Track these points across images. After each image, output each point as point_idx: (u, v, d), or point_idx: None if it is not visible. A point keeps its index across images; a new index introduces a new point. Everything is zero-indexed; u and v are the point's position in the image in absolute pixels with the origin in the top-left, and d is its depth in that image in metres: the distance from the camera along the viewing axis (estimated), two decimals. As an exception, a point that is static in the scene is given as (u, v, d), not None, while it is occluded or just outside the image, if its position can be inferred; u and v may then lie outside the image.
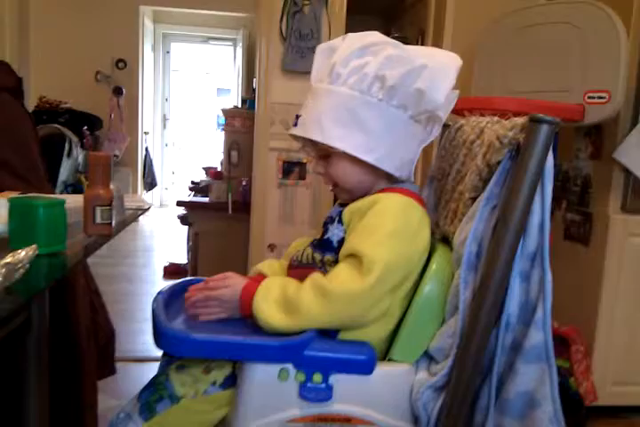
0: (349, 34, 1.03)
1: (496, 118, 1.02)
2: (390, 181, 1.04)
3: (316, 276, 0.94)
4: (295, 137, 1.06)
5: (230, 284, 0.97)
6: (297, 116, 1.03)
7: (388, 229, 0.93)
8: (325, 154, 1.03)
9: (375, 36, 1.00)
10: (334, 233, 1.01)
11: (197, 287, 1.00)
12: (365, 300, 0.90)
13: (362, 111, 0.97)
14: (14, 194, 1.25)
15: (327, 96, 0.99)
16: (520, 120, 0.89)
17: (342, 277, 0.91)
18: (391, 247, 0.92)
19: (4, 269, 0.74)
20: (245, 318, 0.95)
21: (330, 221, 1.05)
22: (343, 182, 1.04)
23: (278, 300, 0.92)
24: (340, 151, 0.98)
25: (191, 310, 0.98)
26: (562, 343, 1.88)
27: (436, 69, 0.96)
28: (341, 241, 0.99)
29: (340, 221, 1.01)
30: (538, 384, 0.88)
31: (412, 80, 0.95)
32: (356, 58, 0.97)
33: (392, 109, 0.97)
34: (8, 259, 0.77)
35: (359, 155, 0.98)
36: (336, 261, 0.98)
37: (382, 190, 1.02)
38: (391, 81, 0.94)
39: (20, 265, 0.78)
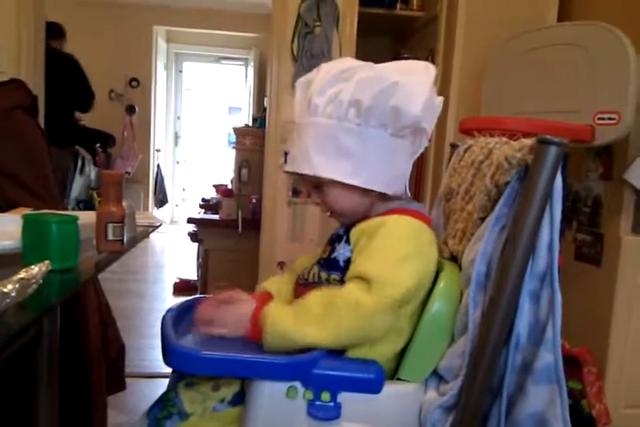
0: (323, 64, 1.05)
1: (505, 139, 1.03)
2: (385, 199, 1.05)
3: (324, 290, 0.95)
4: (289, 173, 1.08)
5: (240, 306, 0.98)
6: (285, 154, 1.06)
7: (399, 254, 0.94)
8: (318, 184, 1.04)
9: (347, 62, 1.02)
10: (341, 253, 1.02)
11: (208, 305, 1.01)
12: (370, 316, 0.90)
13: (342, 138, 0.98)
14: (28, 210, 1.27)
15: (309, 128, 1.01)
16: (528, 141, 0.90)
17: (352, 294, 0.91)
18: (403, 272, 0.93)
19: (17, 285, 0.75)
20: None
21: (336, 238, 1.06)
22: (340, 208, 1.06)
23: (291, 310, 0.94)
24: (329, 180, 1.00)
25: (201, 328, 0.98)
26: (574, 365, 1.85)
27: (408, 84, 0.96)
28: (348, 261, 1.00)
29: (347, 241, 1.02)
30: (548, 405, 0.88)
31: (385, 99, 0.95)
32: (330, 87, 0.99)
33: (372, 131, 0.98)
34: (22, 274, 0.78)
35: (346, 180, 0.99)
36: (342, 281, 0.99)
37: (392, 211, 1.03)
38: (366, 103, 0.95)
39: (33, 281, 0.78)
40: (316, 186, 1.05)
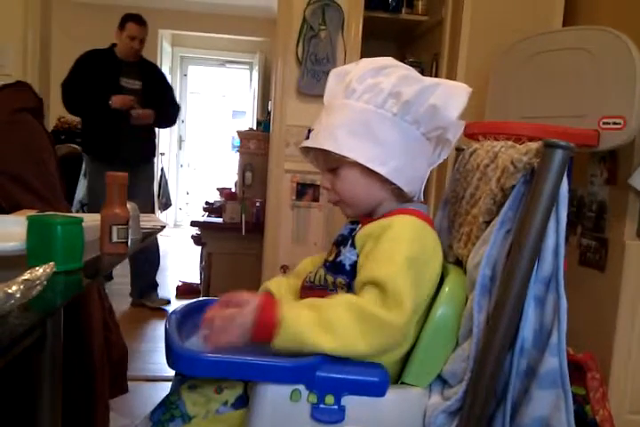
0: (363, 58, 1.05)
1: (510, 143, 1.03)
2: (398, 199, 1.04)
3: (350, 298, 0.92)
4: (306, 151, 1.07)
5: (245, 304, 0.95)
6: (309, 131, 1.05)
7: (406, 255, 0.93)
8: (334, 167, 1.03)
9: (388, 60, 1.03)
10: (346, 257, 1.01)
11: (214, 310, 0.99)
12: (397, 333, 0.90)
13: (376, 124, 0.98)
14: (32, 212, 1.27)
15: (341, 110, 1.01)
16: (534, 145, 0.90)
17: (377, 308, 0.89)
18: (412, 275, 0.92)
19: (22, 286, 0.75)
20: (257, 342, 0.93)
21: (341, 241, 1.05)
22: (350, 196, 1.04)
23: (310, 314, 0.90)
24: (351, 162, 0.99)
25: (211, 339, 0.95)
26: (577, 370, 1.85)
27: (449, 88, 0.98)
28: (353, 265, 0.99)
29: (353, 245, 1.01)
30: (553, 410, 0.87)
31: (426, 96, 0.97)
32: (371, 77, 0.99)
33: (405, 125, 0.99)
34: (26, 276, 0.78)
35: (372, 166, 0.98)
36: (348, 284, 0.98)
37: (394, 212, 1.02)
38: (406, 96, 0.96)
39: (37, 282, 0.78)
40: (333, 168, 1.03)
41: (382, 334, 0.89)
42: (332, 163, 1.03)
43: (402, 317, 0.88)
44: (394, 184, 1.01)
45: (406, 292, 0.89)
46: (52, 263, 0.83)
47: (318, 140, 1.01)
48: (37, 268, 0.81)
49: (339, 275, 1.01)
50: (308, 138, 1.04)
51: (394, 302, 0.88)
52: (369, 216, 1.06)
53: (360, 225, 1.05)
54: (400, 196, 1.04)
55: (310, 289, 1.05)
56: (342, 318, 0.88)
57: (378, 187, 1.02)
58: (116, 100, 3.29)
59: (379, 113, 0.98)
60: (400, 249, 0.94)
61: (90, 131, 3.45)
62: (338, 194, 1.05)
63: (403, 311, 0.88)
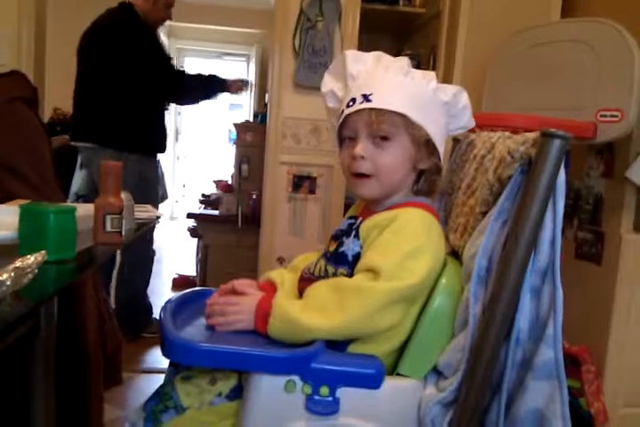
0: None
1: (507, 133, 1.02)
2: (410, 190, 1.05)
3: (333, 278, 0.98)
4: (359, 113, 0.98)
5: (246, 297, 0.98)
6: (364, 96, 0.97)
7: (410, 248, 0.93)
8: (384, 136, 0.98)
9: None
10: (349, 247, 1.00)
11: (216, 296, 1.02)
12: (376, 299, 0.89)
13: (433, 107, 1.01)
14: (25, 202, 1.26)
15: (402, 84, 1.01)
16: (532, 135, 0.89)
17: (359, 280, 0.92)
18: (412, 266, 0.92)
19: (13, 274, 0.74)
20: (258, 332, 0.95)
21: (342, 233, 1.04)
22: (388, 172, 1.00)
23: (299, 300, 0.96)
24: (405, 134, 0.99)
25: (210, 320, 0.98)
26: (572, 363, 1.85)
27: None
28: (356, 255, 0.99)
29: (357, 236, 1.01)
30: (548, 401, 0.87)
31: (460, 97, 1.03)
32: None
33: (446, 117, 1.04)
34: (17, 264, 0.77)
35: (439, 145, 1.01)
36: (349, 275, 0.98)
37: (400, 204, 1.02)
38: (450, 91, 1.02)
39: (28, 270, 0.78)
40: (381, 137, 0.98)
41: (359, 295, 0.89)
42: (385, 130, 0.98)
43: (384, 287, 0.89)
44: (421, 171, 1.03)
45: (401, 277, 0.90)
46: (43, 252, 0.83)
47: (393, 104, 0.97)
48: (28, 256, 0.80)
49: (340, 266, 1.00)
50: (362, 102, 0.97)
51: (383, 279, 0.89)
52: (372, 208, 1.05)
53: (360, 218, 1.04)
54: (419, 182, 1.05)
55: (309, 280, 1.04)
56: (321, 293, 0.93)
57: (409, 172, 1.03)
58: (234, 86, 3.27)
59: (436, 97, 1.01)
60: (403, 241, 0.94)
61: (156, 124, 2.96)
62: (375, 166, 1.00)
63: (388, 285, 0.89)
